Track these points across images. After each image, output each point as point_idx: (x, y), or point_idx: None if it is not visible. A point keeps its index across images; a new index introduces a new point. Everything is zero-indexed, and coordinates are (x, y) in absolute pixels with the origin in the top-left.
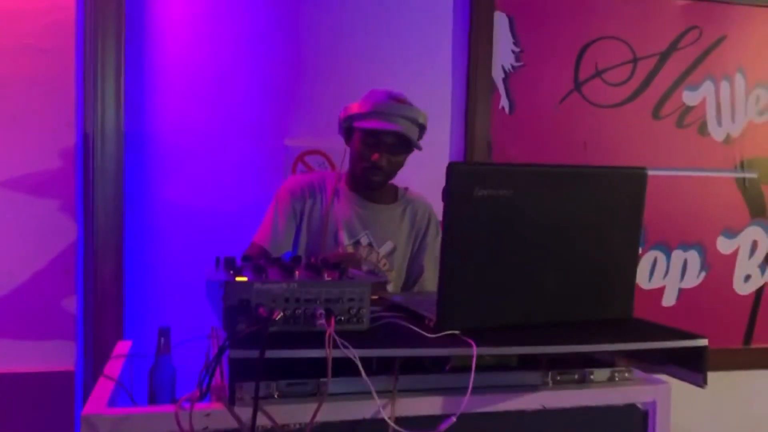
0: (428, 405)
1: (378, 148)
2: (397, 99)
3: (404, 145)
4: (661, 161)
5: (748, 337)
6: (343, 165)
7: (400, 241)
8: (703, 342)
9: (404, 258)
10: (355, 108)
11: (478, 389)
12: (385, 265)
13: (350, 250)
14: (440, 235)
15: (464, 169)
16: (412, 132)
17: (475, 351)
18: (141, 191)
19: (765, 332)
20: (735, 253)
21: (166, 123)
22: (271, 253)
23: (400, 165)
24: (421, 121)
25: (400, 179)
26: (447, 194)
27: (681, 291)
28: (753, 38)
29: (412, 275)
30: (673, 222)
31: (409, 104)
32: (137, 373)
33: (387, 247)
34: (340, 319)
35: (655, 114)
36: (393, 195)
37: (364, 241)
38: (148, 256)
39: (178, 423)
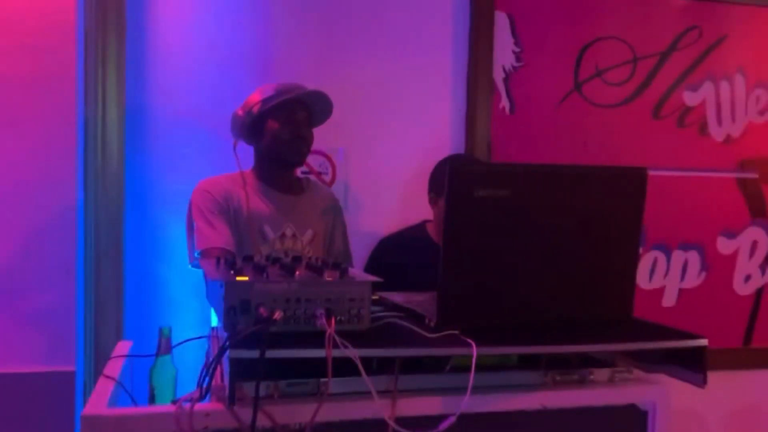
0: (428, 405)
1: (296, 120)
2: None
3: (311, 119)
4: (661, 161)
5: (748, 337)
6: (242, 164)
7: (318, 227)
8: (703, 342)
9: (323, 243)
10: (256, 98)
11: (478, 389)
12: (309, 252)
13: (277, 243)
14: (343, 216)
15: (464, 169)
16: (321, 99)
17: (475, 351)
18: (141, 191)
19: (765, 332)
20: (735, 254)
21: (166, 123)
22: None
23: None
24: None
25: (400, 179)
26: (447, 194)
27: (681, 291)
28: (753, 38)
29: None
30: (673, 222)
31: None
32: (137, 373)
33: (308, 235)
34: (341, 319)
35: (655, 114)
36: (301, 185)
37: (288, 232)
38: (148, 256)
39: (178, 423)
